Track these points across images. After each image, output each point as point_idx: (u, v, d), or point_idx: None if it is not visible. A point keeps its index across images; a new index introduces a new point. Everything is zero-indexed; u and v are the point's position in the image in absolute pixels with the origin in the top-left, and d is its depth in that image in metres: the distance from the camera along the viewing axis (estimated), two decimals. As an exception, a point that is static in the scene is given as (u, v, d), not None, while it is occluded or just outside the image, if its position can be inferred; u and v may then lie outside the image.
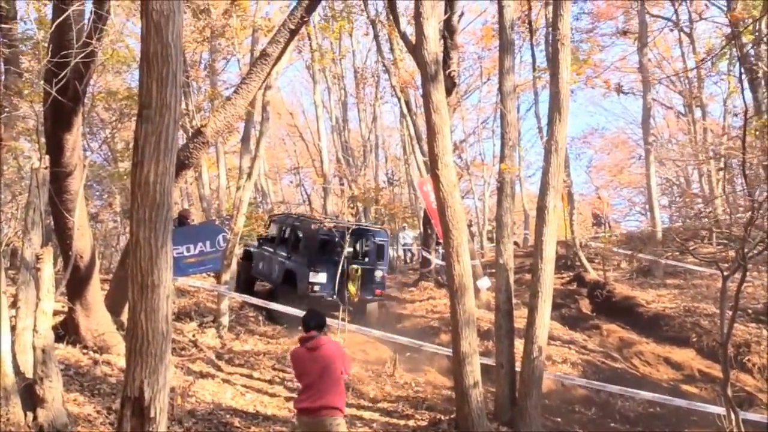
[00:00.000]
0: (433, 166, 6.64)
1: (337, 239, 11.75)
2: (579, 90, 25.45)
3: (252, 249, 13.80)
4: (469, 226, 20.44)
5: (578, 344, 11.35)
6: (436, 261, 14.91)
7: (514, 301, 7.90)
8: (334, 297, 11.44)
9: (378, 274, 12.65)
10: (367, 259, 12.61)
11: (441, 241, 9.27)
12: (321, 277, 11.97)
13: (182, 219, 12.70)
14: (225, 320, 10.56)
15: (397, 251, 22.35)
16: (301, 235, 12.63)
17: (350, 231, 11.70)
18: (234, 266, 11.14)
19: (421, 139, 15.19)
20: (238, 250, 12.96)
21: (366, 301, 12.45)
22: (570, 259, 16.99)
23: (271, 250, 13.18)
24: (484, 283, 12.55)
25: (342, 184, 23.70)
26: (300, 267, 11.98)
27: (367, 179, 24.85)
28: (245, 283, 13.26)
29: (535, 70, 16.23)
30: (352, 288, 11.93)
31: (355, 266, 11.88)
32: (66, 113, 6.40)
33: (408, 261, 23.29)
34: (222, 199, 17.43)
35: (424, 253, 15.13)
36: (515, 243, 19.09)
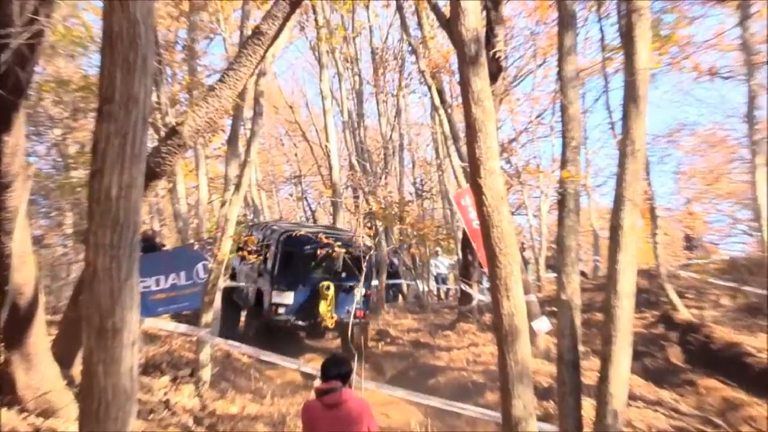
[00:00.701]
0: (474, 173, 6.39)
1: (309, 250, 11.83)
2: (662, 75, 25.27)
3: (235, 267, 13.94)
4: (522, 250, 20.47)
5: (667, 406, 11.12)
6: (478, 297, 14.99)
7: (581, 348, 7.69)
8: (302, 322, 11.68)
9: (359, 291, 12.75)
10: (344, 274, 12.64)
11: (485, 270, 9.48)
12: (286, 297, 12.15)
13: (148, 242, 12.70)
14: (206, 373, 10.45)
15: (427, 284, 22.36)
16: (268, 245, 12.91)
17: (319, 238, 11.71)
18: (218, 302, 11.12)
19: (458, 139, 15.05)
20: (223, 283, 12.91)
21: (345, 326, 12.45)
22: (654, 293, 16.64)
23: (249, 266, 13.54)
24: (543, 325, 12.22)
25: (356, 197, 23.40)
26: (265, 285, 12.30)
27: (389, 190, 23.81)
28: (231, 317, 13.28)
29: (605, 50, 15.88)
30: (324, 309, 12.01)
31: (325, 282, 12.00)
32: (4, 109, 6.37)
33: (442, 297, 23.46)
34: (202, 217, 17.39)
35: (463, 287, 15.30)
36: (582, 273, 18.93)
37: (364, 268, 12.73)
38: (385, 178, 24.50)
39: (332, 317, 12.18)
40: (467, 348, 13.76)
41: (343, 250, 12.38)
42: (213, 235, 12.52)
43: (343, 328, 12.68)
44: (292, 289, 12.11)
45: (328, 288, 12.17)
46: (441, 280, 24.07)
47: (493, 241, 6.27)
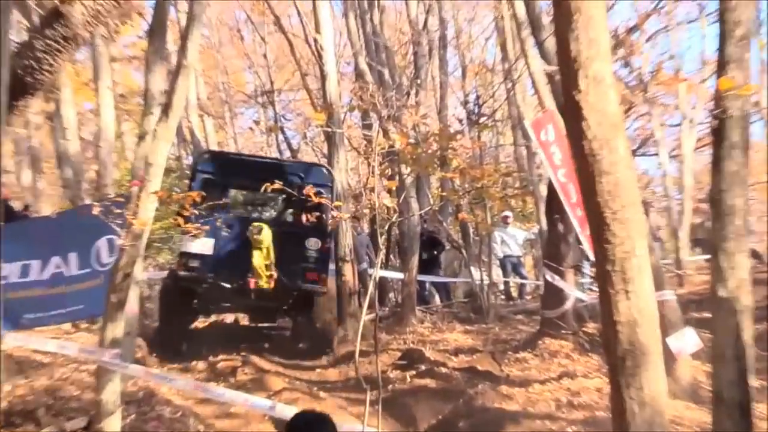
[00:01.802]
0: (567, 84, 4.58)
1: (241, 178, 10.37)
2: None
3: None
4: (649, 214, 14.87)
5: None
6: (575, 294, 11.26)
7: (755, 383, 5.49)
8: (227, 283, 9.83)
9: (311, 244, 10.94)
10: (289, 219, 11.04)
11: (587, 249, 7.44)
12: (203, 245, 10.30)
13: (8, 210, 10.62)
14: (113, 425, 7.02)
15: (488, 273, 14.96)
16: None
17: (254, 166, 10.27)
18: (134, 304, 8.44)
19: (540, 27, 10.40)
20: (146, 275, 11.37)
21: (289, 292, 10.75)
22: None
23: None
24: (687, 341, 8.47)
25: (367, 126, 15.30)
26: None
27: (423, 115, 13.60)
28: (173, 327, 11.41)
29: None
30: (260, 261, 10.24)
31: (257, 224, 10.22)
32: None
33: (513, 295, 17.37)
34: (106, 160, 12.34)
35: (549, 277, 11.25)
36: (754, 253, 13.73)
37: (326, 214, 10.51)
38: (416, 94, 16.84)
39: (270, 275, 10.45)
40: (557, 381, 9.85)
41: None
42: (125, 191, 9.28)
43: (288, 297, 11.07)
44: (213, 234, 10.26)
45: (259, 232, 10.23)
46: (511, 266, 16.95)
47: (599, 199, 4.51)
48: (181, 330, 11.63)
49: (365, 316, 8.33)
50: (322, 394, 9.45)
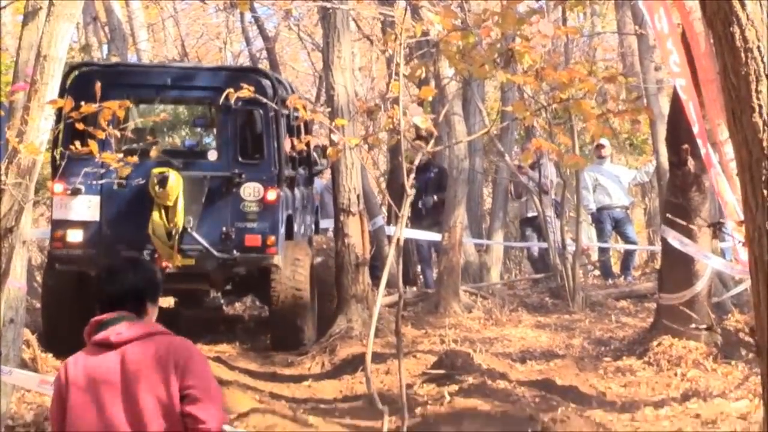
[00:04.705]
0: None
1: (138, 92, 9.45)
2: None
3: None
4: None
5: None
6: (714, 266, 9.15)
7: None
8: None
9: (249, 192, 9.44)
10: (215, 156, 9.49)
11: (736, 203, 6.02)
12: (83, 210, 9.04)
13: None
14: None
15: (575, 236, 12.39)
16: None
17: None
18: (21, 278, 6.85)
19: None
20: (39, 232, 10.63)
21: (222, 266, 9.23)
22: None
23: None
24: None
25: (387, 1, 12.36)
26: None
27: None
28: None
29: None
30: (160, 224, 8.90)
31: (159, 170, 8.90)
32: None
33: (615, 271, 13.85)
34: None
35: (673, 241, 8.93)
36: None
37: (270, 142, 9.48)
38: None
39: (172, 245, 8.87)
40: (680, 403, 8.16)
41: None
42: (4, 99, 8.12)
43: (222, 274, 9.54)
44: (96, 192, 8.82)
45: (162, 182, 8.76)
46: (611, 223, 13.37)
47: (756, 120, 3.35)
48: (76, 331, 9.49)
49: (382, 300, 7.27)
50: (312, 419, 7.50)
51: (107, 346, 3.58)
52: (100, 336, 3.59)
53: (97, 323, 3.62)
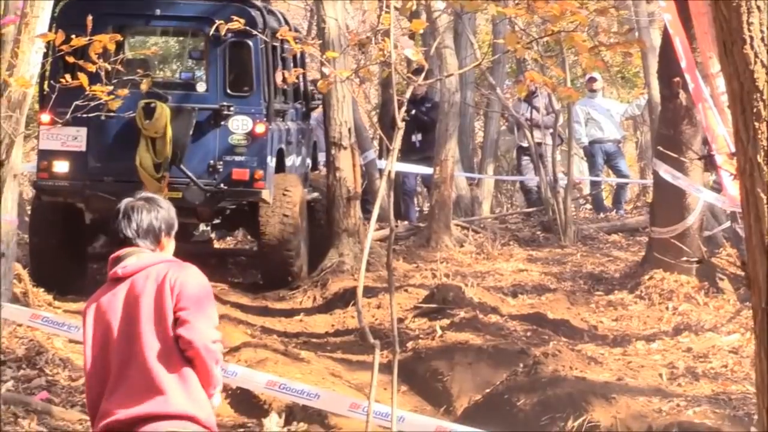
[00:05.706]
0: None
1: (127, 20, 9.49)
2: None
3: None
4: None
5: None
6: (705, 199, 9.19)
7: None
8: (111, 195, 8.22)
9: (237, 125, 9.32)
10: (204, 88, 9.36)
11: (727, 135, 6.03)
12: (70, 139, 8.94)
13: None
14: None
15: (566, 170, 12.88)
16: None
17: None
18: (12, 210, 7.13)
19: None
20: (31, 165, 10.19)
21: (209, 200, 9.18)
22: None
23: None
24: None
25: None
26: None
27: None
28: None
29: None
30: (146, 158, 8.85)
31: (145, 102, 8.74)
32: None
33: (607, 205, 13.99)
34: None
35: (665, 174, 9.01)
36: None
37: (259, 74, 9.26)
38: None
39: (161, 177, 8.85)
40: (672, 337, 8.23)
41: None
42: None
43: (210, 208, 9.36)
44: (83, 123, 8.23)
45: (149, 113, 8.61)
46: (603, 157, 13.61)
47: (747, 50, 3.27)
48: (65, 265, 9.61)
49: (373, 234, 7.50)
50: (304, 353, 7.68)
51: (118, 280, 3.68)
52: (112, 271, 3.68)
53: (114, 260, 3.71)
